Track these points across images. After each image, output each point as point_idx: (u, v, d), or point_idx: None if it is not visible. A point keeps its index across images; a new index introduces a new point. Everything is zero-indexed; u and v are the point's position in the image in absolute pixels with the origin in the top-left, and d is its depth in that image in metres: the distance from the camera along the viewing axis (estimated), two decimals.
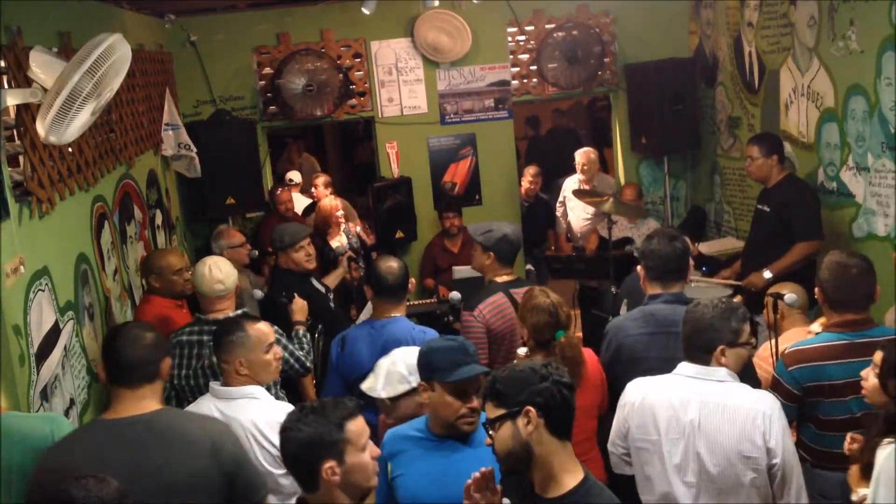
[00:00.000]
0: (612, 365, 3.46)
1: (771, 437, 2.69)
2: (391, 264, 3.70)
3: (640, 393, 2.90)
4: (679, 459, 2.78)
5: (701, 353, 2.82)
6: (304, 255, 4.70)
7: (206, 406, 3.07)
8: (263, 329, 3.19)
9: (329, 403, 2.25)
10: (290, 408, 2.80)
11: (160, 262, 4.23)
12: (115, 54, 2.66)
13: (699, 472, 2.76)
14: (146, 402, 2.56)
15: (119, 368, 2.56)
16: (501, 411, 2.21)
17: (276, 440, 2.89)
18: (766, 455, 2.69)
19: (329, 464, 2.16)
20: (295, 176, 7.75)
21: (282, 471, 2.91)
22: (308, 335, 4.08)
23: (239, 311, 3.78)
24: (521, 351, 3.30)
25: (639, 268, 3.55)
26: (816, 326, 3.46)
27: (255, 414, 3.00)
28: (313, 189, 7.19)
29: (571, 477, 2.19)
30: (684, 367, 2.86)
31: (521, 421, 2.18)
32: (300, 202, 7.37)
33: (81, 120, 2.72)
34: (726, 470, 2.72)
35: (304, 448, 2.18)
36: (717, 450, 2.72)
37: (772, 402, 2.77)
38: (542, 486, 2.21)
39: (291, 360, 3.83)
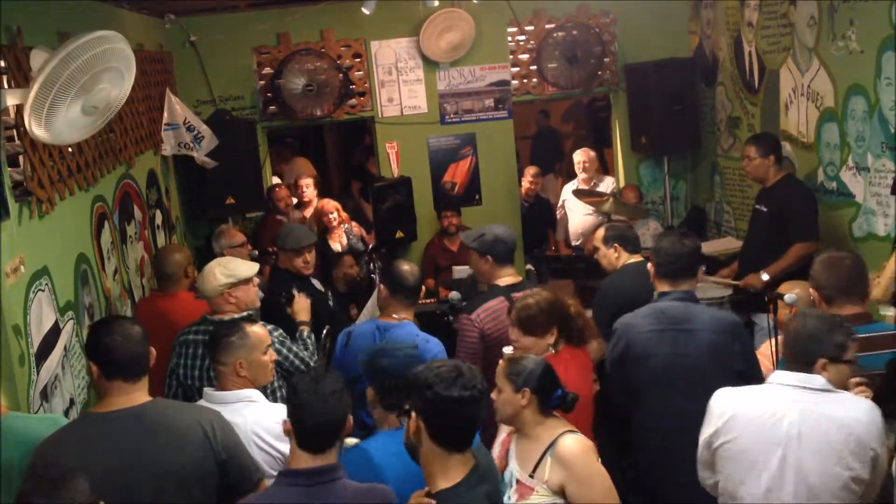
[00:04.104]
0: (621, 361, 3.48)
1: (872, 448, 2.61)
2: (414, 267, 3.79)
3: (730, 406, 2.79)
4: (776, 469, 2.68)
5: (801, 365, 2.72)
6: (302, 262, 4.70)
7: None
8: (260, 331, 3.20)
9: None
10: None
11: (188, 255, 4.39)
12: (101, 46, 2.65)
13: (796, 483, 2.65)
14: (136, 394, 2.57)
15: (117, 364, 2.55)
16: (406, 406, 2.32)
17: (277, 443, 2.91)
18: (868, 468, 2.60)
19: None
20: (276, 181, 7.71)
21: None
22: (312, 336, 4.05)
23: (244, 314, 3.75)
24: (507, 350, 3.31)
25: (649, 265, 3.60)
26: None
27: (254, 418, 2.96)
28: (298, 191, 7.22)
29: (444, 480, 2.22)
30: (779, 376, 2.77)
31: (410, 420, 2.27)
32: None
33: (72, 116, 2.71)
34: (826, 482, 2.62)
35: None
36: (817, 460, 2.62)
37: (875, 412, 2.65)
38: (428, 480, 2.28)
39: (297, 362, 3.79)
